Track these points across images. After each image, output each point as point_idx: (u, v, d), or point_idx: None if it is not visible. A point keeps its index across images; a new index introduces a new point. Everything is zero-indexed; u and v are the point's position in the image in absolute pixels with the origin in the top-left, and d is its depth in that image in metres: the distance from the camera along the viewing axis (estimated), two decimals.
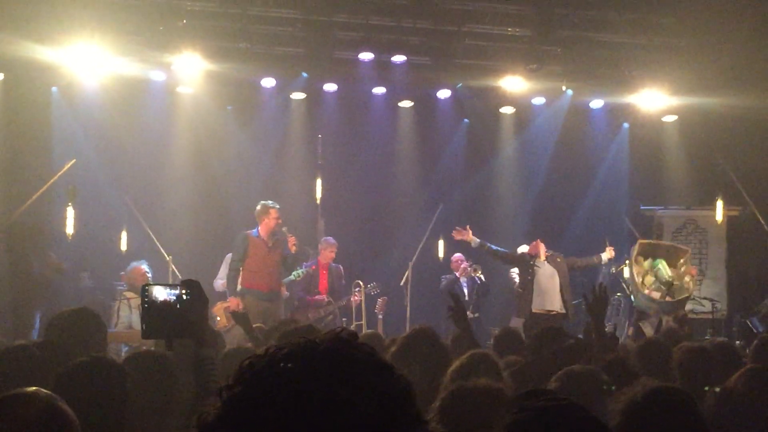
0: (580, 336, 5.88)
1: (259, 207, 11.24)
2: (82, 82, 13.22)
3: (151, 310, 3.66)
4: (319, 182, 13.06)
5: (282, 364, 1.37)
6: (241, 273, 11.12)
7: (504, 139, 15.46)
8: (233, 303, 10.83)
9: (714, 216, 13.73)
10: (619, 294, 13.63)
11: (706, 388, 4.53)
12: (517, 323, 11.66)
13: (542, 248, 12.55)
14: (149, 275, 11.02)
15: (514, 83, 13.99)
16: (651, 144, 15.30)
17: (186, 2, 12.55)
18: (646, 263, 12.59)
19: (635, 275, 12.41)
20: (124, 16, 12.69)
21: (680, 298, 12.12)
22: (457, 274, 13.38)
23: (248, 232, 11.24)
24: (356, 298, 12.40)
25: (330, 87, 14.12)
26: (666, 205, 15.07)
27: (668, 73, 14.40)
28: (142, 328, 3.78)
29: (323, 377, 1.34)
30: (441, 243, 13.44)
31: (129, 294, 10.63)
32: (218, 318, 11.05)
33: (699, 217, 14.86)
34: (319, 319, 11.75)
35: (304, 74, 13.57)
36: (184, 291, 3.59)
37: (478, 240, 12.56)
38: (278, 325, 6.99)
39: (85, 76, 13.05)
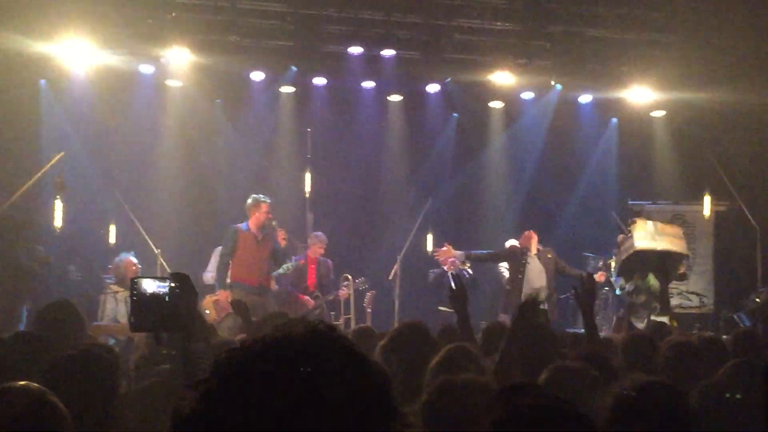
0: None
1: (250, 200, 11.20)
2: (70, 74, 13.17)
3: (139, 302, 3.65)
4: (308, 176, 13.05)
5: (257, 358, 1.37)
6: (230, 266, 11.10)
7: (493, 134, 15.46)
8: (222, 296, 10.81)
9: (701, 211, 13.79)
10: (606, 288, 13.66)
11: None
12: (504, 320, 11.63)
13: (534, 240, 12.42)
14: (139, 267, 11.01)
15: (503, 78, 14.00)
16: (639, 139, 15.34)
17: None
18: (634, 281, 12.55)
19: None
20: (113, 9, 12.64)
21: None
22: (445, 268, 13.38)
23: (238, 225, 11.21)
24: (344, 292, 12.40)
25: (319, 81, 14.10)
26: (654, 200, 15.12)
27: (657, 69, 14.44)
28: (130, 321, 3.78)
29: (297, 371, 1.34)
30: (429, 237, 13.44)
31: (114, 287, 10.60)
32: (207, 311, 11.03)
33: (687, 212, 14.91)
34: (307, 313, 11.75)
35: (294, 68, 13.55)
36: (173, 284, 3.58)
37: (461, 252, 12.53)
38: (267, 317, 6.98)
39: (74, 68, 13.00)
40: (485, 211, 15.45)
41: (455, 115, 15.28)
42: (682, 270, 12.73)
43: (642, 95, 14.40)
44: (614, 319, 13.24)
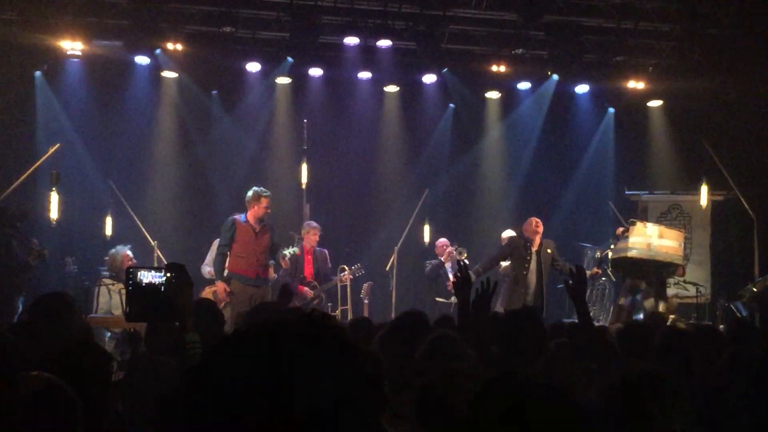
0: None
1: (250, 193, 11.14)
2: (65, 66, 13.17)
3: (135, 293, 3.64)
4: (304, 167, 13.03)
5: (247, 345, 1.37)
6: (228, 258, 11.09)
7: (489, 124, 15.46)
8: (220, 287, 10.81)
9: (698, 201, 13.79)
10: (604, 279, 13.68)
11: None
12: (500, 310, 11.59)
13: (539, 235, 11.64)
14: (134, 261, 10.98)
15: (499, 68, 13.99)
16: (636, 129, 15.35)
17: None
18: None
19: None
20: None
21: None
22: (442, 258, 13.39)
23: (236, 217, 11.18)
24: (346, 276, 12.37)
25: (315, 72, 14.08)
26: (651, 190, 15.11)
27: (653, 58, 14.46)
28: (126, 311, 3.77)
29: (285, 360, 1.34)
30: (426, 228, 13.44)
31: (107, 280, 10.57)
32: None
33: (684, 201, 14.92)
34: (304, 305, 11.75)
35: (290, 59, 13.52)
36: (169, 274, 3.57)
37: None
38: (258, 307, 6.94)
39: (69, 60, 12.99)
40: (482, 202, 15.46)
41: (452, 105, 15.26)
42: (679, 272, 12.72)
43: (639, 85, 14.41)
44: (611, 309, 13.25)
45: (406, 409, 3.37)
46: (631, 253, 12.02)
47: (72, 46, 12.61)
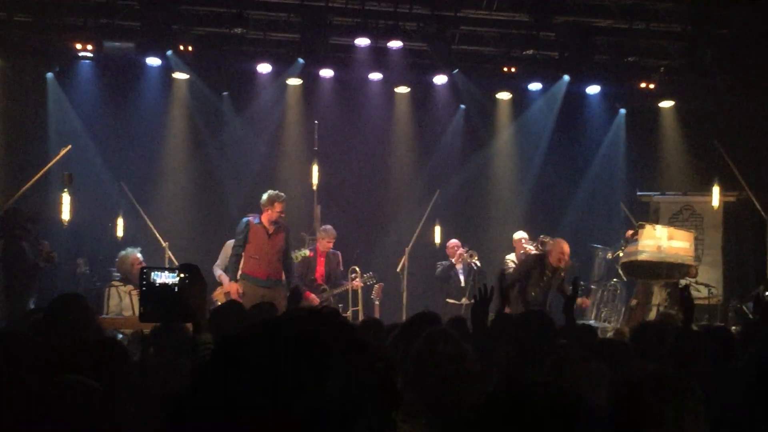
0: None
1: (265, 196, 11.18)
2: (77, 67, 13.22)
3: (148, 293, 3.65)
4: (315, 168, 13.03)
5: (253, 343, 1.36)
6: (242, 259, 11.15)
7: (500, 125, 15.44)
8: (233, 288, 10.86)
9: (710, 202, 13.73)
10: (615, 280, 13.64)
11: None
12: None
13: (563, 258, 11.44)
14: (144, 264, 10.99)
15: (510, 69, 13.97)
16: (647, 129, 15.31)
17: None
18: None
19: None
20: (121, 1, 12.70)
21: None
22: (453, 260, 13.37)
23: (250, 218, 11.22)
24: (357, 282, 12.38)
25: (326, 73, 14.06)
26: (662, 191, 15.07)
27: (665, 59, 14.43)
28: (140, 311, 3.77)
29: (292, 356, 1.33)
30: (437, 229, 13.44)
31: (116, 282, 10.58)
32: (218, 302, 11.04)
33: (695, 202, 14.87)
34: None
35: (301, 60, 13.52)
36: (182, 274, 3.57)
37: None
38: (255, 307, 6.94)
39: (81, 61, 13.04)
40: (493, 203, 15.43)
41: (462, 106, 15.24)
42: (692, 272, 12.68)
43: (650, 85, 14.36)
44: (623, 310, 13.22)
45: (417, 406, 3.38)
46: (642, 256, 12.00)
47: (84, 48, 12.63)
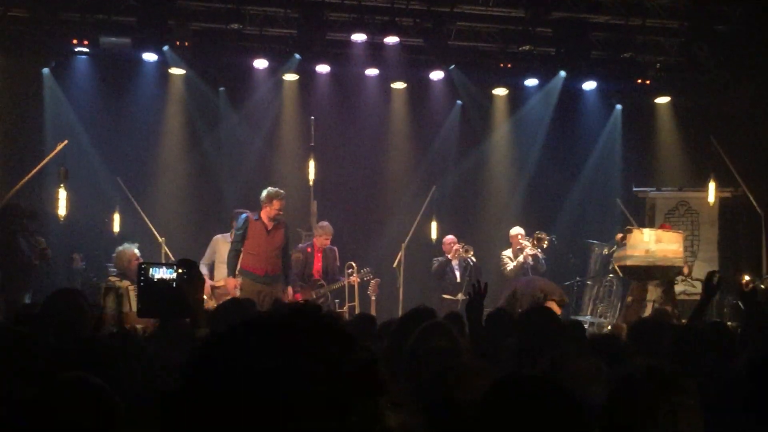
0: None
1: (264, 193, 11.21)
2: (73, 62, 13.21)
3: (147, 289, 3.65)
4: (312, 164, 13.02)
5: (239, 338, 1.38)
6: (241, 254, 11.18)
7: (497, 121, 15.44)
8: (230, 283, 10.88)
9: (706, 197, 13.75)
10: (611, 276, 13.66)
11: None
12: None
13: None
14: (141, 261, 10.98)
15: (506, 65, 13.97)
16: (644, 125, 15.32)
17: None
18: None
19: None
20: None
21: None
22: (449, 256, 13.38)
23: (249, 214, 11.25)
24: (354, 278, 12.39)
25: (323, 68, 14.05)
26: (658, 187, 15.08)
27: (661, 55, 14.44)
28: (138, 306, 3.78)
29: (280, 348, 1.35)
30: (434, 224, 13.44)
31: (113, 278, 10.57)
32: (205, 297, 11.04)
33: (691, 198, 14.89)
34: (310, 302, 11.76)
35: (297, 55, 13.51)
36: (180, 270, 3.58)
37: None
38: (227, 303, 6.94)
39: (77, 57, 13.03)
40: (489, 199, 15.44)
41: (459, 102, 15.24)
42: (684, 271, 12.73)
43: (646, 81, 14.37)
44: (618, 306, 13.24)
45: (404, 397, 3.39)
46: (630, 261, 12.07)
47: (80, 43, 12.62)
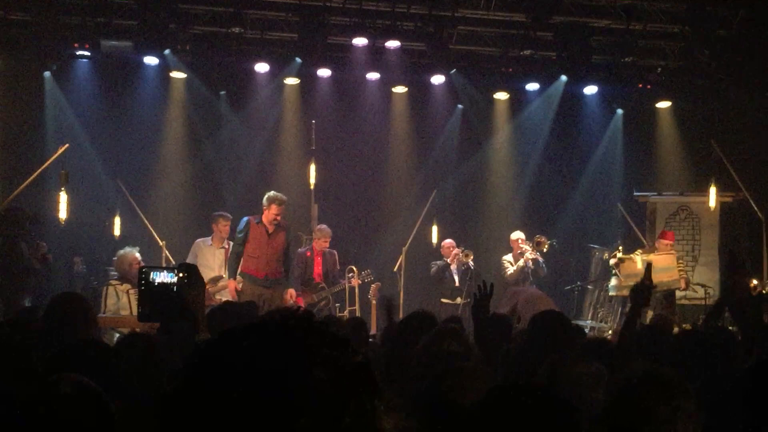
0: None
1: (265, 198, 11.28)
2: (74, 66, 13.22)
3: (147, 293, 3.65)
4: (312, 167, 13.02)
5: (235, 341, 1.39)
6: (241, 257, 11.19)
7: (498, 125, 15.44)
8: (231, 286, 10.90)
9: (707, 202, 13.73)
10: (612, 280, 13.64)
11: None
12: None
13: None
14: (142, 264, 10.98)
15: (508, 69, 13.98)
16: (645, 130, 15.31)
17: None
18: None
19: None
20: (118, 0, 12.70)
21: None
22: (448, 260, 13.37)
23: (251, 217, 11.28)
24: (355, 280, 12.39)
25: (324, 72, 14.06)
26: (659, 191, 15.06)
27: (662, 60, 14.43)
28: (138, 310, 3.77)
29: (282, 349, 1.36)
30: (434, 228, 13.44)
31: (114, 281, 10.56)
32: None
33: (692, 203, 14.86)
34: (311, 305, 11.77)
35: (298, 59, 13.52)
36: (181, 274, 3.57)
37: None
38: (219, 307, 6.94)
39: (78, 60, 13.04)
40: (490, 203, 15.44)
41: (460, 106, 15.25)
42: (682, 287, 12.73)
43: (647, 86, 14.37)
44: (619, 311, 13.22)
45: (398, 401, 3.39)
46: (627, 292, 12.06)
47: (81, 47, 12.63)
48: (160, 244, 12.00)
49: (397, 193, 15.07)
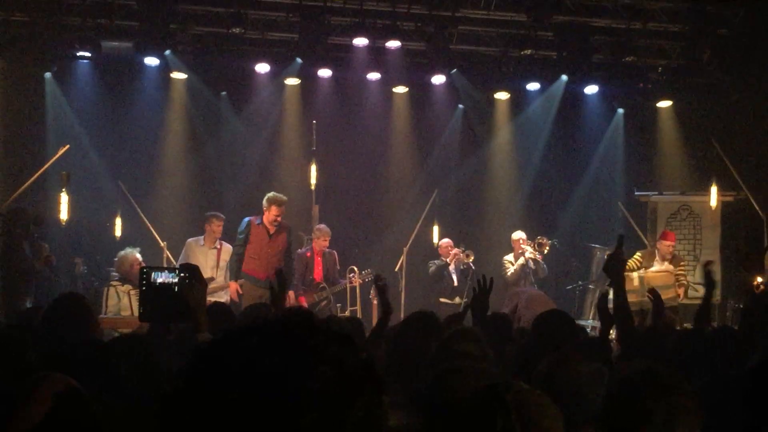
0: None
1: (265, 199, 11.30)
2: (75, 67, 13.22)
3: (148, 293, 3.64)
4: (313, 168, 13.03)
5: (237, 340, 1.39)
6: (243, 258, 11.19)
7: (499, 125, 15.43)
8: (232, 287, 10.90)
9: (708, 201, 13.73)
10: None
11: None
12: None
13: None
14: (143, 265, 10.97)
15: (508, 69, 13.98)
16: (646, 129, 15.31)
17: None
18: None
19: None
20: (118, 0, 12.70)
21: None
22: (446, 260, 13.36)
23: (252, 218, 11.28)
24: (356, 279, 12.40)
25: (324, 72, 14.06)
26: (660, 191, 15.05)
27: (663, 59, 14.43)
28: (139, 311, 3.77)
29: (286, 348, 1.36)
30: (436, 228, 13.45)
31: (115, 282, 10.57)
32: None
33: (693, 202, 14.85)
34: (312, 305, 11.78)
35: (299, 60, 13.52)
36: (182, 274, 3.57)
37: None
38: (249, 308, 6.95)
39: (79, 61, 13.04)
40: (491, 203, 15.43)
41: (461, 106, 15.24)
42: (680, 293, 12.72)
43: (648, 85, 14.37)
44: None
45: (401, 398, 3.39)
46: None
47: (82, 48, 12.64)
48: (161, 244, 12.00)
49: (398, 194, 15.06)
